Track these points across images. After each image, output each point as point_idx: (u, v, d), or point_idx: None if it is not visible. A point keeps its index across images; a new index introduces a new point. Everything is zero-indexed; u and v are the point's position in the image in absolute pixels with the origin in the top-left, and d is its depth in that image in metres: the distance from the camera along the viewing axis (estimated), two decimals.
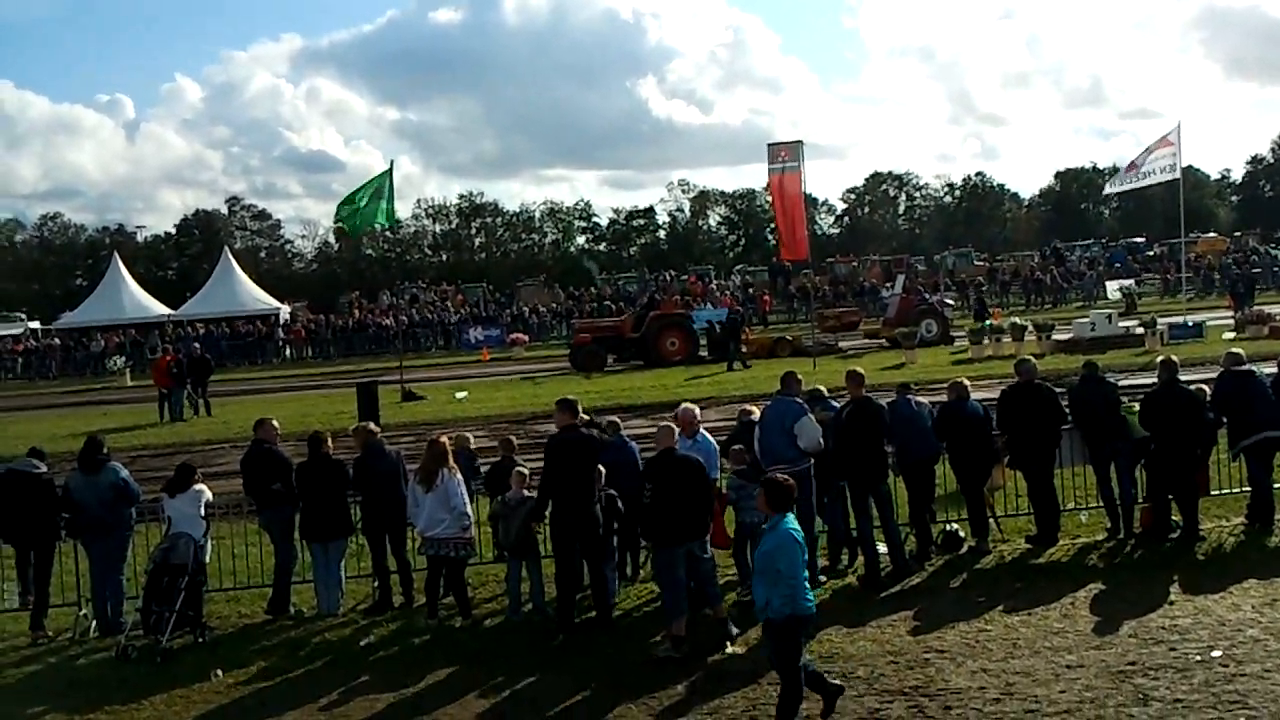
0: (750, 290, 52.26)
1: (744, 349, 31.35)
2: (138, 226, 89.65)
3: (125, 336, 47.96)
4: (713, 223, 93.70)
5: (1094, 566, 10.35)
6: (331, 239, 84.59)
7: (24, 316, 59.87)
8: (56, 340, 50.07)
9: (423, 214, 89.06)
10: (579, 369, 31.88)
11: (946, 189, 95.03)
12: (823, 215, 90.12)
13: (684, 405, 11.20)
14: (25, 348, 48.87)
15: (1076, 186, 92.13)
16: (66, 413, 29.88)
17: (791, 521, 7.30)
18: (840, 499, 10.81)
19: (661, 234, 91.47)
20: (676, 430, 9.95)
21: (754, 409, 11.16)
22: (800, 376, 11.06)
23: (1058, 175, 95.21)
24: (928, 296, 37.61)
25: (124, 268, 55.73)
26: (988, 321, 32.03)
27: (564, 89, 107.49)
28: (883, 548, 10.57)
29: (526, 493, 10.15)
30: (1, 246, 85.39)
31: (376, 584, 10.76)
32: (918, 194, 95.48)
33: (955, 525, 11.27)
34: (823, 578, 10.37)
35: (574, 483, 9.55)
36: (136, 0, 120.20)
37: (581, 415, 10.25)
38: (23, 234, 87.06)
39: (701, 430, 10.72)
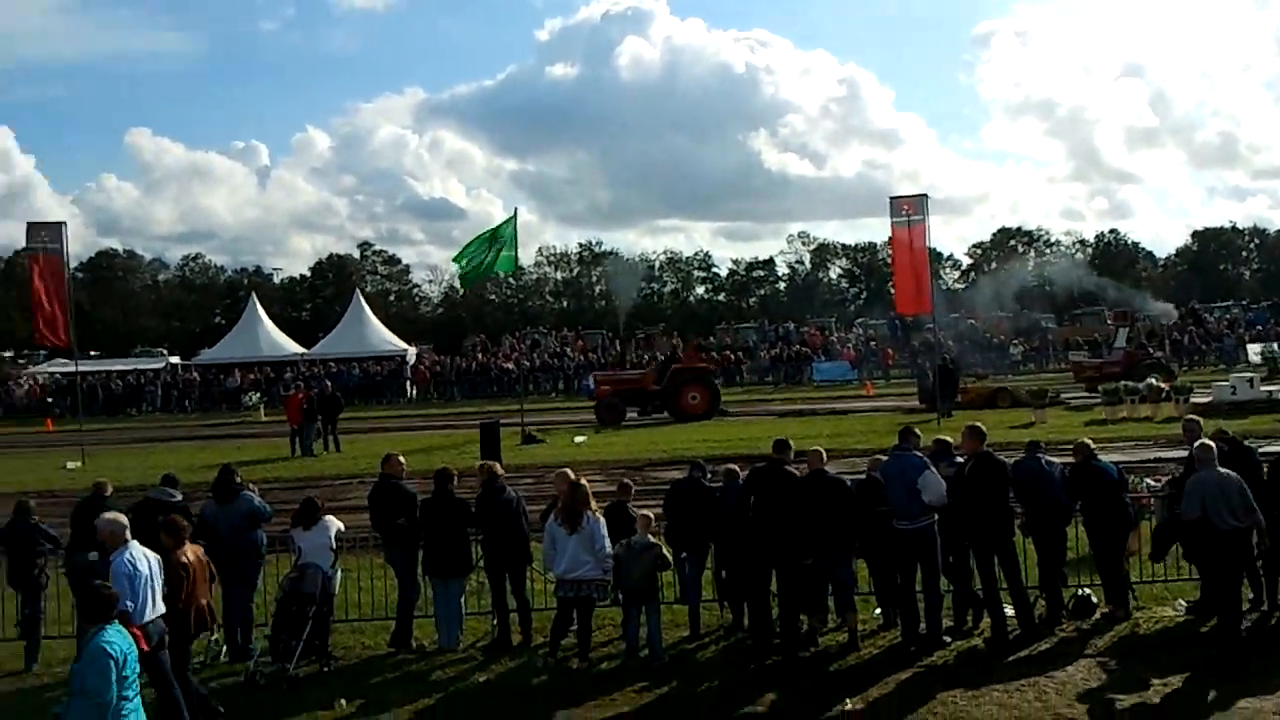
0: (872, 343, 51.63)
1: (959, 399, 30.33)
2: (274, 268, 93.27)
3: (260, 374, 49.71)
4: (833, 275, 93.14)
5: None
6: (457, 284, 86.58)
7: (165, 352, 62.71)
8: (195, 375, 52.10)
9: (544, 261, 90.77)
10: (602, 423, 31.54)
11: (1077, 246, 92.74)
12: (947, 270, 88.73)
13: (815, 447, 11.18)
14: (165, 382, 50.95)
15: (1215, 246, 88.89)
16: (203, 445, 31.05)
17: (109, 634, 6.61)
18: (965, 558, 10.56)
19: (781, 285, 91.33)
20: (824, 454, 10.77)
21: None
22: (919, 430, 10.92)
23: (1195, 235, 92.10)
24: (1152, 351, 36.42)
25: (261, 308, 57.89)
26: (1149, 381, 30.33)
27: (678, 142, 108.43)
28: (1010, 610, 10.28)
29: (651, 538, 10.16)
30: (146, 285, 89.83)
31: (496, 622, 10.89)
32: (1048, 251, 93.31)
33: (1088, 590, 10.88)
34: (947, 639, 10.14)
35: (775, 518, 9.92)
36: (271, 54, 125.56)
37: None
38: (165, 273, 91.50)
39: None
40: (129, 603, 7.93)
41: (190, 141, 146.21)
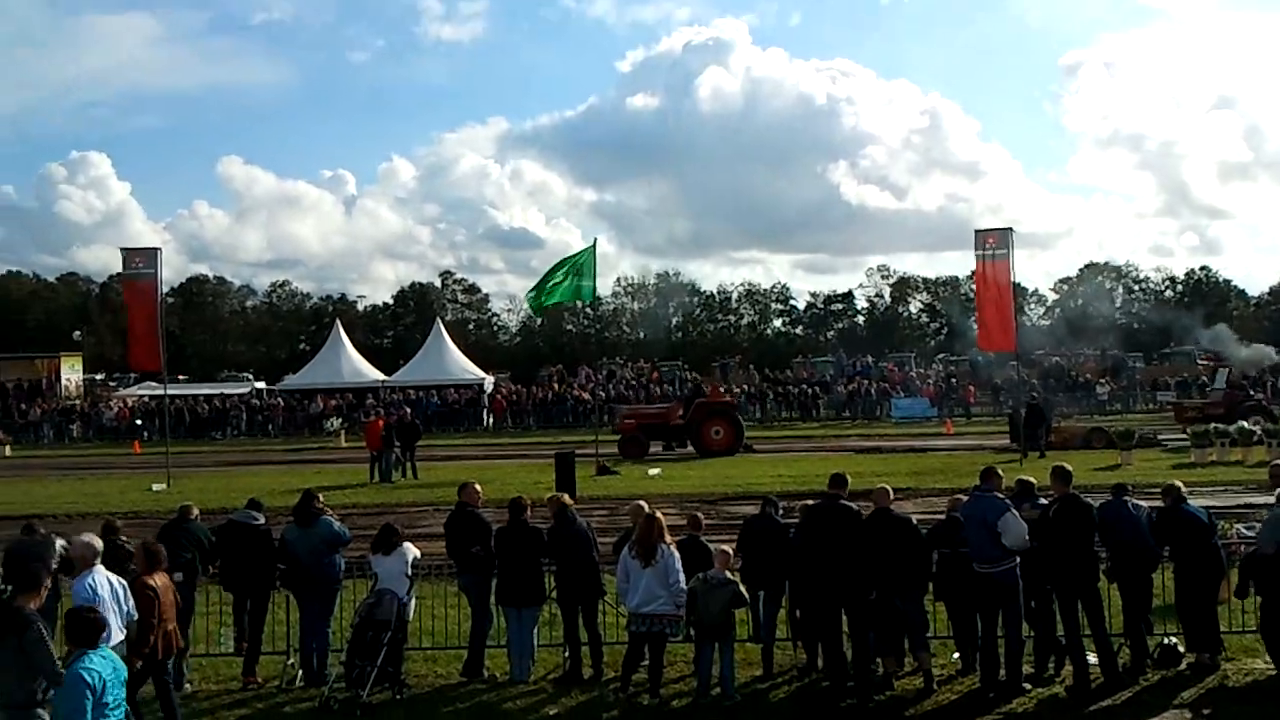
0: (952, 380, 50.90)
1: (1051, 438, 29.71)
2: (358, 296, 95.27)
3: (342, 400, 50.51)
4: (913, 309, 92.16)
5: None
6: (529, 308, 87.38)
7: (250, 376, 64.17)
8: (279, 400, 53.16)
9: (621, 291, 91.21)
10: (625, 456, 31.44)
11: (1167, 283, 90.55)
12: (1031, 305, 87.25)
13: (881, 485, 11.05)
14: (250, 406, 52.08)
15: None
16: (285, 469, 31.57)
17: (91, 659, 6.55)
18: (1048, 603, 10.29)
19: (859, 319, 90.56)
20: (890, 491, 10.66)
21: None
22: (1001, 471, 10.71)
23: None
24: (1253, 393, 35.53)
25: (344, 334, 58.87)
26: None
27: (757, 173, 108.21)
28: (1093, 658, 9.99)
29: (728, 574, 10.09)
30: (234, 310, 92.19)
31: (567, 654, 10.87)
32: (1136, 287, 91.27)
33: (1174, 639, 10.54)
34: (1027, 686, 9.89)
35: (832, 555, 9.90)
36: (360, 85, 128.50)
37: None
38: (253, 299, 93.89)
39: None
40: None
41: (280, 170, 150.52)
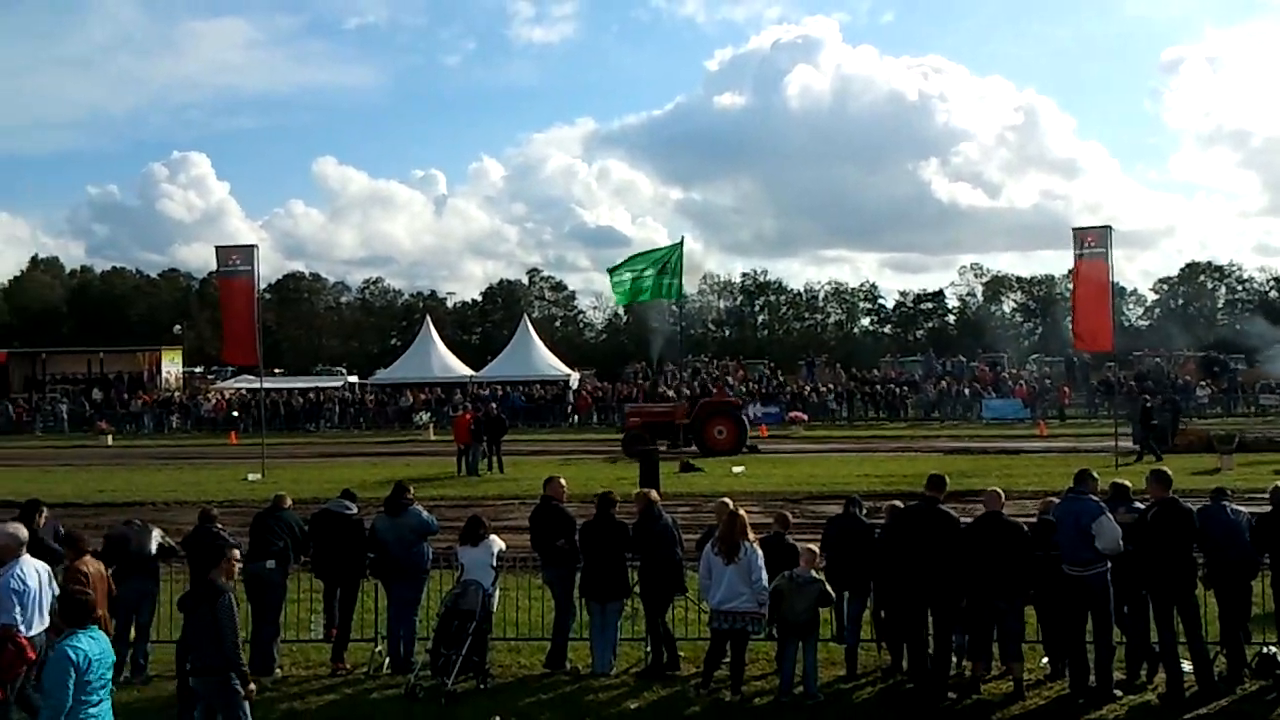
0: (1047, 381, 49.76)
1: (1174, 441, 28.84)
2: (448, 293, 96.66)
3: (431, 394, 51.23)
4: (1006, 309, 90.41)
5: None
6: (620, 311, 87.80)
7: (344, 371, 65.50)
8: (371, 394, 54.14)
9: (708, 290, 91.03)
10: (629, 455, 30.91)
11: (1271, 283, 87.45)
12: (1130, 305, 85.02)
13: (993, 488, 10.85)
14: (343, 399, 53.14)
15: None
16: (375, 461, 32.16)
17: (78, 638, 6.73)
18: (1142, 609, 10.03)
19: (950, 318, 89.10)
20: (1002, 495, 10.41)
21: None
22: (1096, 474, 10.45)
23: None
24: None
25: (434, 330, 59.74)
26: None
27: (846, 171, 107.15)
28: (1187, 665, 9.72)
29: (814, 573, 10.03)
30: (329, 306, 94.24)
31: (650, 648, 10.91)
32: (1240, 287, 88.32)
33: (1273, 648, 10.19)
34: (1118, 693, 9.65)
35: (926, 559, 9.77)
36: (452, 86, 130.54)
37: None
38: (347, 296, 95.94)
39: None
40: (17, 616, 8.12)
41: (373, 170, 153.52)
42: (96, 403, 53.04)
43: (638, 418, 34.38)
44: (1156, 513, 9.83)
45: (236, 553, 8.85)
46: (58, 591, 8.52)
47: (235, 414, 48.93)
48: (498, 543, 10.95)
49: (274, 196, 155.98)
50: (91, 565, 8.92)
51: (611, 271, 31.81)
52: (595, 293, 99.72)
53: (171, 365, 60.81)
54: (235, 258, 28.43)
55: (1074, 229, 27.69)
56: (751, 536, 10.12)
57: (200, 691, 8.17)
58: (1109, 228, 27.59)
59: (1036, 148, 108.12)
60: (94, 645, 6.81)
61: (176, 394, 55.11)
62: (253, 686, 8.26)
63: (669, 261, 28.18)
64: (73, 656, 6.63)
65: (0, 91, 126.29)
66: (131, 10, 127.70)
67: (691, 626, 11.30)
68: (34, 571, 8.55)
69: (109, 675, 6.94)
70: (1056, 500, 10.57)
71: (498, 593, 10.92)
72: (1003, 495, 10.51)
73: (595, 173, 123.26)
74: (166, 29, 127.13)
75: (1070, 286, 33.66)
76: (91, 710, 6.72)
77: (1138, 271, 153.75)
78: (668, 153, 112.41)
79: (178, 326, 73.45)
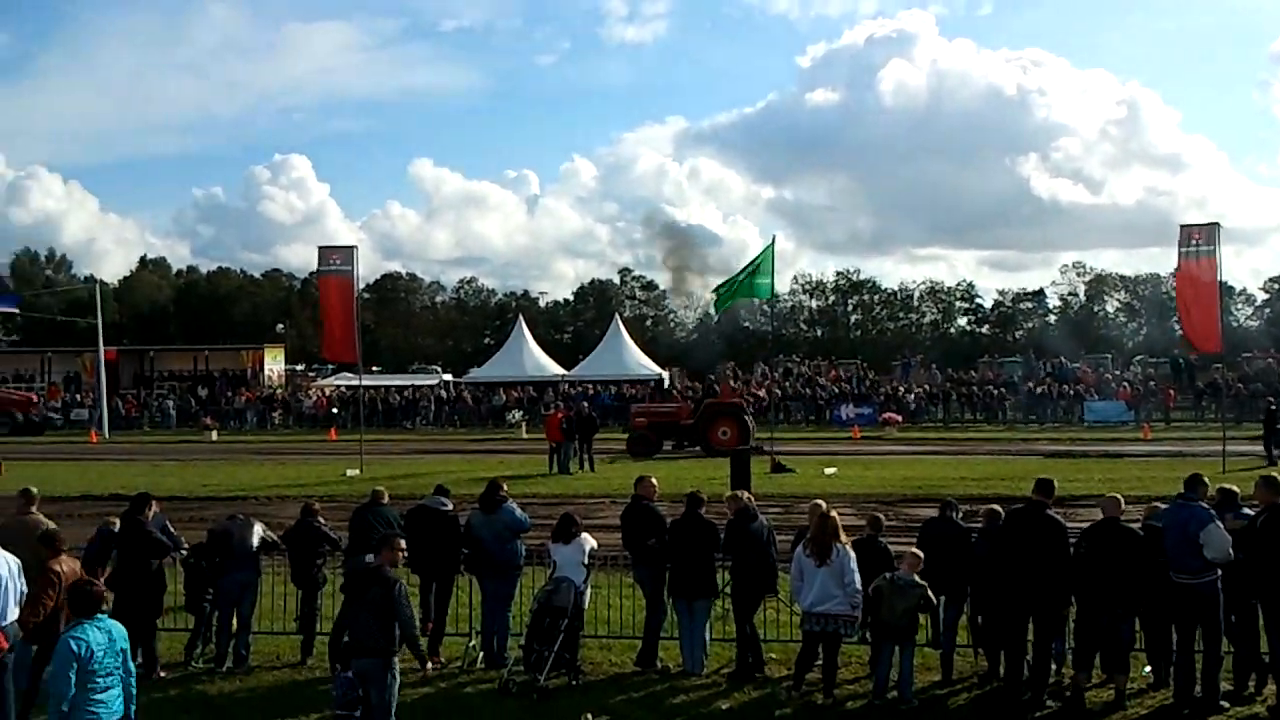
0: (1151, 383, 48.32)
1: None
2: (541, 292, 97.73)
3: (523, 393, 51.77)
4: (1110, 309, 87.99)
5: None
6: (711, 310, 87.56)
7: (439, 369, 66.54)
8: (465, 392, 54.90)
9: (799, 289, 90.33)
10: (633, 455, 31.25)
11: None
12: (1238, 305, 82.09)
13: (1113, 494, 10.59)
14: (438, 397, 53.95)
15: None
16: (469, 459, 32.56)
17: (85, 629, 6.89)
18: (1252, 618, 9.69)
19: (1051, 318, 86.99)
20: (1121, 501, 10.10)
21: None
22: (1206, 479, 10.11)
23: None
24: None
25: (526, 329, 60.36)
26: None
27: (941, 167, 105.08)
28: None
29: (916, 577, 9.89)
30: (424, 306, 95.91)
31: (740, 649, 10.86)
32: None
33: None
34: (1225, 704, 9.34)
35: (1031, 565, 9.57)
36: (546, 87, 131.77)
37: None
38: (442, 295, 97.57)
39: None
40: None
41: (468, 171, 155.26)
42: (202, 399, 54.76)
43: (643, 418, 34.76)
44: (1266, 519, 9.48)
45: (403, 541, 9.10)
46: (24, 582, 8.79)
47: (335, 410, 50.05)
48: (589, 540, 11.01)
49: (372, 198, 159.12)
50: (66, 565, 8.97)
51: (717, 289, 31.84)
52: (686, 292, 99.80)
53: (274, 363, 62.36)
54: (336, 258, 29.06)
55: (1180, 226, 26.81)
56: (844, 538, 10.01)
57: (356, 672, 8.32)
58: (1216, 224, 26.67)
59: (1140, 142, 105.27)
60: (99, 635, 7.00)
61: (278, 391, 56.58)
62: (430, 665, 8.82)
63: (761, 261, 27.98)
64: (74, 648, 6.85)
65: (112, 97, 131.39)
66: (236, 14, 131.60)
67: (784, 629, 11.23)
68: (3, 561, 8.72)
69: (116, 664, 7.10)
70: (1162, 506, 10.26)
71: (589, 590, 10.99)
72: (1122, 501, 10.15)
73: (686, 171, 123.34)
74: (270, 34, 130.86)
75: (1175, 285, 32.60)
76: (98, 697, 6.92)
77: (1247, 269, 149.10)
78: (759, 150, 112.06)
79: (280, 325, 75.36)
